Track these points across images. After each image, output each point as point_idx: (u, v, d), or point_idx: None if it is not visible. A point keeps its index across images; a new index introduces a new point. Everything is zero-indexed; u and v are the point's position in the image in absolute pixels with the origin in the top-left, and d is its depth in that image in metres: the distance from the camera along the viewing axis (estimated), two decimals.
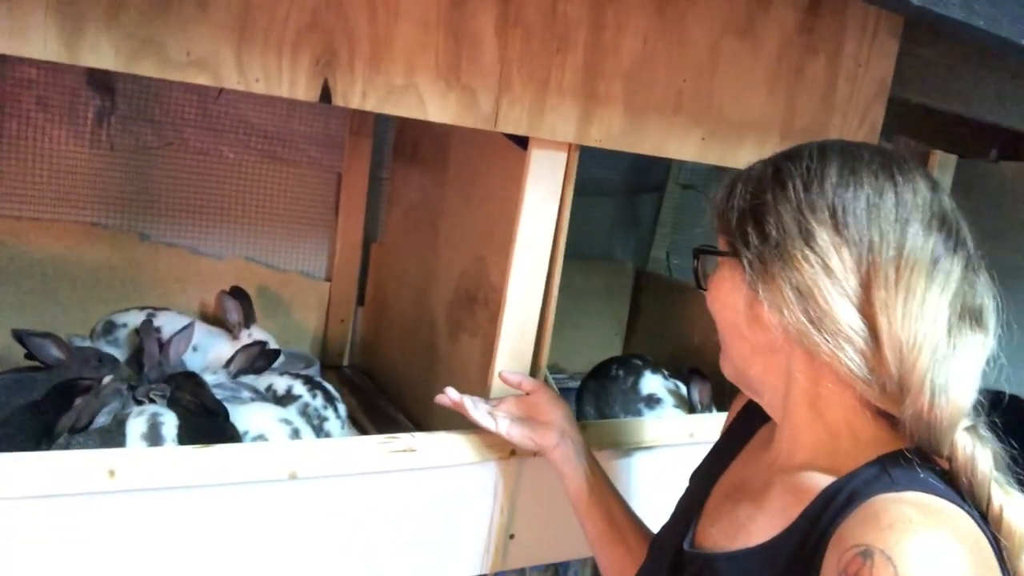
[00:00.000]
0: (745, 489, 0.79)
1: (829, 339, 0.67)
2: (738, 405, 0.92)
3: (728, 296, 0.75)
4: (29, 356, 1.16)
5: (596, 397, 1.51)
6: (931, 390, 0.65)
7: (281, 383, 1.21)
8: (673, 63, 1.03)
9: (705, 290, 0.79)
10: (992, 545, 0.61)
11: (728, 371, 0.79)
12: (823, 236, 0.68)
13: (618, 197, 1.94)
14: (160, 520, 0.83)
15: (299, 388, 1.20)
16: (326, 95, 0.85)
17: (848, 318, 0.67)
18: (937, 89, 1.30)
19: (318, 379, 1.27)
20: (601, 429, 1.15)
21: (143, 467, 0.81)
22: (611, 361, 1.55)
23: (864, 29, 1.15)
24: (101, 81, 1.38)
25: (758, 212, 0.71)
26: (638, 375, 1.49)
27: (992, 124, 1.48)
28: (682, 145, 1.07)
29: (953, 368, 0.65)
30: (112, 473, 0.79)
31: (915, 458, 0.66)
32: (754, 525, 0.73)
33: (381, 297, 1.63)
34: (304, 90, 0.84)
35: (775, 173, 0.72)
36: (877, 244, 0.67)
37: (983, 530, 0.62)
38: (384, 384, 1.57)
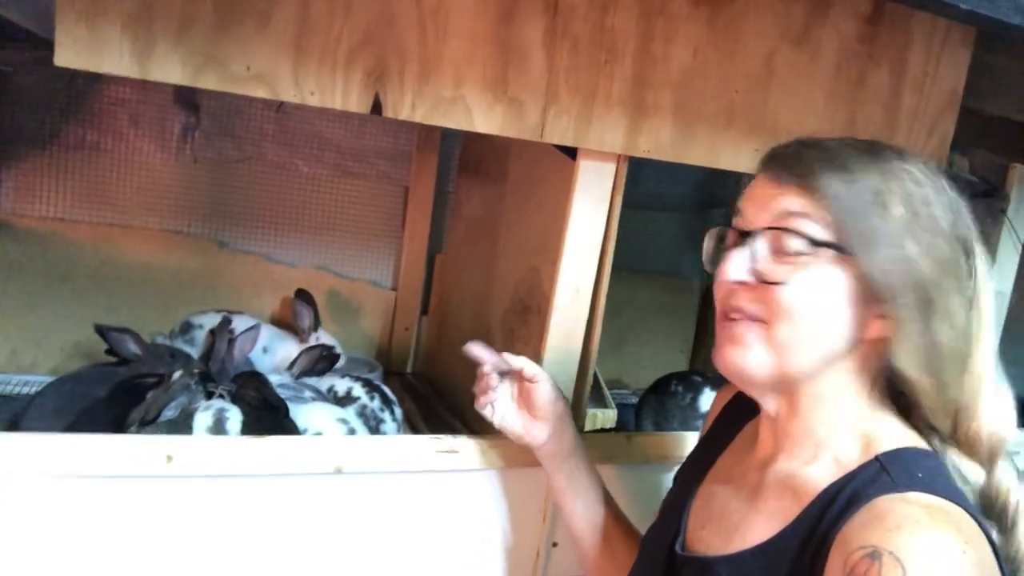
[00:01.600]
0: (734, 489, 0.77)
1: (946, 364, 0.67)
2: (720, 403, 0.91)
3: (827, 294, 0.67)
4: (109, 352, 1.25)
5: (655, 412, 1.50)
6: (990, 413, 0.68)
7: (342, 385, 1.26)
8: (725, 73, 1.03)
9: (777, 283, 0.67)
10: (991, 545, 0.61)
11: (759, 367, 0.70)
12: (962, 263, 0.68)
13: (686, 212, 1.92)
14: (212, 505, 0.88)
15: (358, 390, 1.24)
16: (377, 107, 0.89)
17: (964, 344, 0.68)
18: (1016, 100, 1.24)
19: (377, 382, 1.31)
20: (652, 441, 1.14)
21: (198, 454, 0.86)
22: (671, 377, 1.53)
23: (932, 38, 1.11)
24: (187, 99, 1.48)
25: (879, 224, 0.66)
26: (697, 392, 1.47)
27: None
28: (736, 156, 1.06)
29: (1002, 391, 0.68)
30: (169, 458, 0.84)
31: (914, 455, 0.67)
32: (749, 526, 0.72)
33: (444, 307, 1.66)
34: (356, 102, 0.88)
35: (891, 170, 0.68)
36: (981, 274, 0.69)
37: (983, 530, 0.62)
38: (444, 392, 1.60)
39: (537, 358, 1.10)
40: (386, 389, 1.30)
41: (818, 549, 0.64)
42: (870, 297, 0.67)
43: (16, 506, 0.81)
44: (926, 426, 0.70)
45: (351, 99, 0.88)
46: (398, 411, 1.29)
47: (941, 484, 0.64)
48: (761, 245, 0.69)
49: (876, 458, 0.67)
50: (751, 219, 0.71)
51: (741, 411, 0.82)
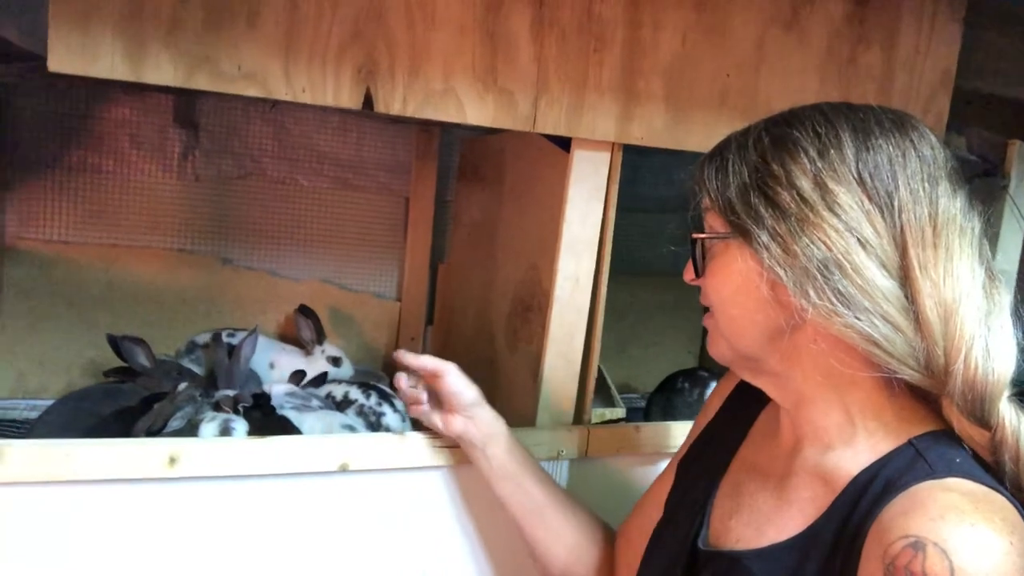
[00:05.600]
0: (762, 479, 0.75)
1: (862, 317, 0.63)
2: (727, 387, 0.88)
3: (736, 279, 0.69)
4: (108, 373, 1.26)
5: (663, 411, 1.49)
6: (980, 353, 0.62)
7: (338, 390, 1.27)
8: (715, 58, 1.03)
9: (700, 277, 0.73)
10: None
11: (724, 355, 0.74)
12: (851, 204, 0.64)
13: (682, 212, 1.92)
14: (217, 508, 0.87)
15: (354, 393, 1.25)
16: (368, 102, 0.90)
17: (885, 289, 0.63)
18: (1010, 77, 1.23)
19: (372, 382, 1.31)
20: (659, 430, 1.13)
21: (201, 455, 0.85)
22: (678, 374, 1.52)
23: (921, 16, 1.12)
24: (186, 118, 1.49)
25: (766, 185, 0.66)
26: (704, 387, 1.45)
27: None
28: None
29: (995, 328, 0.63)
30: (173, 460, 0.84)
31: (948, 438, 0.63)
32: (782, 518, 0.69)
33: (448, 315, 1.66)
34: (348, 98, 0.89)
35: (778, 141, 0.68)
36: (909, 204, 0.64)
37: (1022, 514, 0.59)
38: None
39: (539, 354, 1.10)
40: (382, 386, 1.31)
41: (852, 540, 0.61)
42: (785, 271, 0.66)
43: (23, 513, 0.80)
44: (935, 388, 0.65)
45: (342, 95, 0.88)
46: (399, 403, 1.28)
47: (978, 468, 0.61)
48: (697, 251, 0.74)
49: (910, 442, 0.64)
50: None
51: (752, 395, 0.79)
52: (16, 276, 1.41)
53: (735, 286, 0.70)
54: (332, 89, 0.88)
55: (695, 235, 0.74)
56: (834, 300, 0.63)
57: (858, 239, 0.64)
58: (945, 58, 1.14)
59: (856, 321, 0.63)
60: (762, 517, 0.71)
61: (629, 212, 1.57)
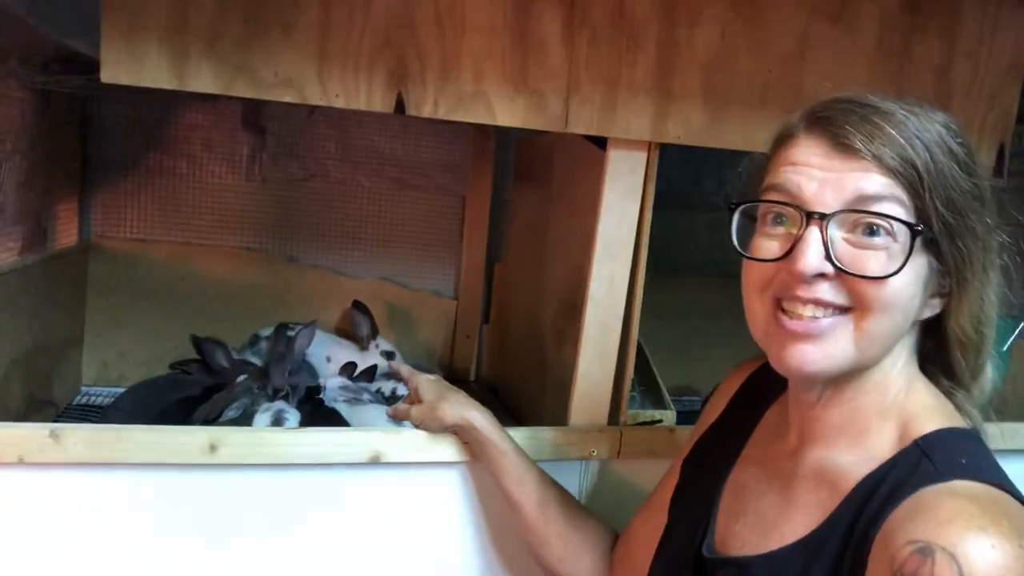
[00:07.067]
0: (767, 480, 0.73)
1: (991, 316, 0.67)
2: (731, 387, 0.85)
3: (913, 284, 0.64)
4: (173, 366, 1.32)
5: None
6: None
7: (387, 386, 1.31)
8: (756, 54, 1.00)
9: (881, 278, 0.62)
10: None
11: (831, 369, 0.65)
12: (992, 215, 0.67)
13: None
14: (255, 493, 0.91)
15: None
16: (400, 106, 0.92)
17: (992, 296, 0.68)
18: None
19: None
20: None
21: (240, 443, 0.90)
22: None
23: (986, 2, 1.05)
24: (254, 122, 1.57)
25: (966, 191, 0.64)
26: None
27: None
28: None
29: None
30: (213, 448, 0.89)
31: (958, 435, 0.63)
32: (787, 522, 0.68)
33: (504, 314, 1.68)
34: (380, 102, 0.91)
35: (949, 145, 0.64)
36: (995, 219, 0.67)
37: None
38: (505, 398, 1.61)
39: (575, 354, 1.09)
40: None
41: (859, 545, 0.60)
42: (932, 276, 0.65)
43: (77, 492, 0.87)
44: (950, 382, 0.69)
45: (375, 99, 0.91)
46: None
47: (986, 468, 0.61)
48: (835, 230, 0.62)
49: (915, 443, 0.63)
50: (814, 198, 0.62)
51: (758, 393, 0.77)
52: (100, 272, 1.52)
53: (913, 288, 0.64)
54: (365, 94, 0.91)
55: (913, 224, 0.61)
56: (975, 305, 0.66)
57: (994, 266, 0.68)
58: (1013, 46, 1.08)
59: (988, 299, 0.67)
60: (767, 521, 0.70)
61: (698, 212, 1.53)
